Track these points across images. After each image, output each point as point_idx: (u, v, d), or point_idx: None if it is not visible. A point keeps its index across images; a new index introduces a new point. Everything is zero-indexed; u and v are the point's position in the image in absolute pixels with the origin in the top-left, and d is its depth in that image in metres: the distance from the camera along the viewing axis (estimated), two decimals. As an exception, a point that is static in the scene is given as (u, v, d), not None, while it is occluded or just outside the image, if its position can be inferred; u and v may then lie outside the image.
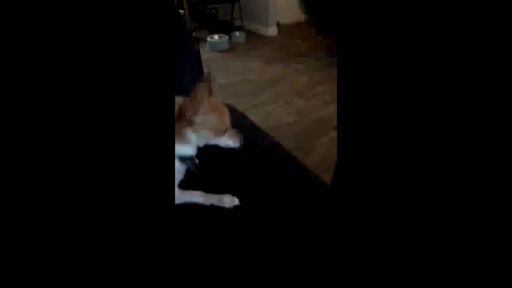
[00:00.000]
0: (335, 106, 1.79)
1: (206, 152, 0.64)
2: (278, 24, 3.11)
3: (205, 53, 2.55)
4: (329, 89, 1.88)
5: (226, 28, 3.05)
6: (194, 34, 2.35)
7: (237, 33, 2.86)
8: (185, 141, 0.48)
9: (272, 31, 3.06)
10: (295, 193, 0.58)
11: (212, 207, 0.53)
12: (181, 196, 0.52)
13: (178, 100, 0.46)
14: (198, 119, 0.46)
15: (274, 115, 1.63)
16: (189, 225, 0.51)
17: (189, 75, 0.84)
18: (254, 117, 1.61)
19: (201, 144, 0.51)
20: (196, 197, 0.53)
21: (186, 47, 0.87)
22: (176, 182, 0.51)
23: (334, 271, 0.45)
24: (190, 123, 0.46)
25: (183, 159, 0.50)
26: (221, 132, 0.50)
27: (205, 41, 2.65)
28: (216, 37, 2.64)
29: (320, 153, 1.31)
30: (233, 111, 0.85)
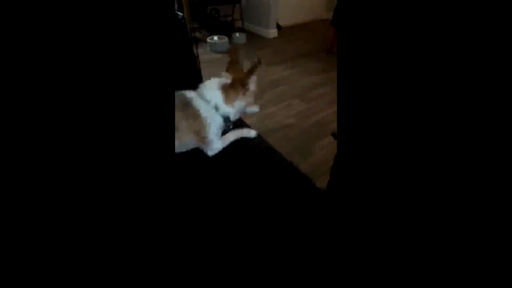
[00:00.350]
0: (335, 109, 1.79)
1: (202, 158, 0.64)
2: (278, 26, 3.12)
3: (206, 54, 2.55)
4: (329, 91, 1.89)
5: (227, 29, 3.06)
6: (193, 35, 2.34)
7: (238, 34, 2.86)
8: (232, 106, 0.62)
9: (273, 32, 3.06)
10: (290, 198, 0.58)
11: (211, 215, 0.54)
12: (222, 142, 0.66)
13: (225, 74, 0.63)
14: (251, 87, 0.65)
15: (274, 117, 1.63)
16: (189, 227, 0.50)
17: (186, 77, 0.84)
18: (255, 119, 1.61)
19: (240, 110, 0.67)
20: (230, 137, 0.68)
21: (184, 50, 0.87)
22: (219, 135, 0.65)
23: (335, 269, 0.45)
24: (245, 90, 0.63)
25: (226, 119, 0.63)
26: (254, 100, 0.68)
27: (205, 42, 2.65)
28: (215, 38, 2.64)
29: (320, 156, 1.30)
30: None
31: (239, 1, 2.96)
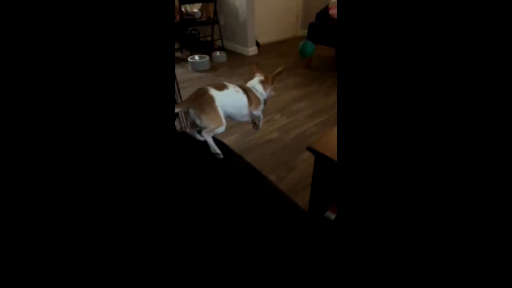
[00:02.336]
0: (315, 122, 1.86)
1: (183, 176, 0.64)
2: (257, 43, 3.24)
3: (187, 73, 2.59)
4: (308, 105, 1.96)
5: (207, 48, 3.14)
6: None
7: (218, 53, 2.94)
8: (266, 93, 0.96)
9: (253, 50, 3.17)
10: (267, 214, 0.59)
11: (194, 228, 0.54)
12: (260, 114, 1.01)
13: (258, 75, 0.97)
14: (275, 83, 1.00)
15: (256, 132, 1.66)
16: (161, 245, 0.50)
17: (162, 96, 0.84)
18: (237, 135, 1.64)
19: (268, 96, 1.00)
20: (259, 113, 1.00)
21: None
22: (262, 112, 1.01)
23: (328, 271, 0.45)
24: (272, 85, 0.99)
25: (264, 101, 0.97)
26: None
27: (187, 61, 2.70)
28: (196, 57, 2.70)
29: (302, 169, 1.34)
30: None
31: (217, 22, 3.07)
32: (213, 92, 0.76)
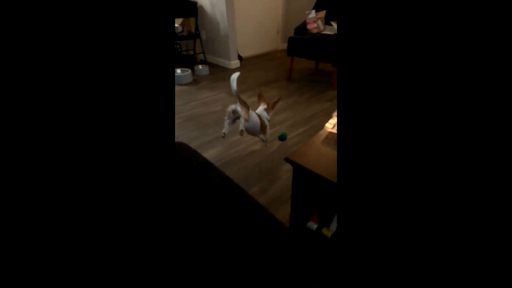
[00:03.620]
0: (297, 132, 1.89)
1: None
2: (240, 57, 3.31)
3: (169, 87, 2.57)
4: (290, 116, 2.00)
5: (189, 62, 3.15)
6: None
7: (200, 67, 2.96)
8: (269, 115, 1.33)
9: (235, 63, 3.23)
10: (244, 230, 0.59)
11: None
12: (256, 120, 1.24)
13: (263, 103, 1.35)
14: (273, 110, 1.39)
15: (240, 144, 1.67)
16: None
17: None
18: (221, 147, 1.63)
19: (267, 118, 1.33)
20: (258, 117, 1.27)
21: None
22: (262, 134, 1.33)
23: (315, 267, 0.44)
24: (271, 111, 1.36)
25: (258, 115, 1.23)
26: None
27: (169, 75, 2.70)
28: (178, 71, 2.71)
29: (286, 179, 1.35)
30: (186, 149, 0.85)
31: (199, 36, 3.11)
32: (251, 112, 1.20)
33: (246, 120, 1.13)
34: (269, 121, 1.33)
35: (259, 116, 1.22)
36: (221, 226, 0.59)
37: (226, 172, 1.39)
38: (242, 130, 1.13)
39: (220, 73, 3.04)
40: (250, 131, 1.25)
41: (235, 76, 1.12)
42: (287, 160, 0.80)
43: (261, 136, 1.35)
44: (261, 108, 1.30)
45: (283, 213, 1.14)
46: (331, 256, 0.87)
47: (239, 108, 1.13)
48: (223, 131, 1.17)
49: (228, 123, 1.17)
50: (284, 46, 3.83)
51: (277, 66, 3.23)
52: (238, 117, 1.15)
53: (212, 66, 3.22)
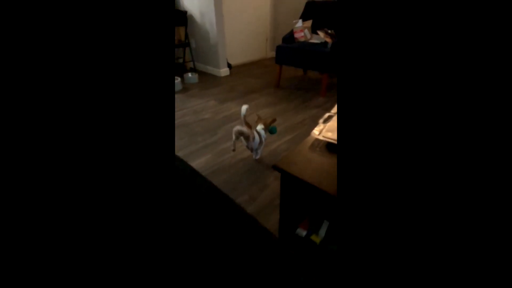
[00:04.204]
0: (286, 139, 1.91)
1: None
2: (229, 65, 3.33)
3: (158, 95, 2.55)
4: (279, 123, 2.02)
5: (179, 70, 3.15)
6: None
7: (190, 75, 2.97)
8: (264, 132, 1.53)
9: (224, 71, 3.25)
10: (230, 240, 0.58)
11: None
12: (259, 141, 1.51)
13: (260, 123, 1.56)
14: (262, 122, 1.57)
15: (229, 152, 1.66)
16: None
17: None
18: (210, 155, 1.63)
19: (264, 135, 1.53)
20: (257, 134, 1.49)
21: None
22: (258, 148, 1.54)
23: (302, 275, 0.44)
24: (267, 128, 1.56)
25: (259, 134, 1.47)
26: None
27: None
28: (168, 79, 2.70)
29: (274, 186, 1.35)
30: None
31: (188, 45, 3.13)
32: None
33: (252, 140, 1.43)
34: (265, 139, 1.57)
35: (258, 134, 1.49)
36: (206, 237, 0.58)
37: (215, 180, 1.39)
38: (247, 146, 1.53)
39: (209, 81, 3.05)
40: (251, 147, 1.52)
41: (244, 107, 1.50)
42: (275, 167, 0.81)
43: (257, 150, 1.58)
44: (259, 128, 1.53)
45: (273, 221, 1.14)
46: (320, 263, 0.87)
47: (244, 129, 1.41)
48: (232, 148, 1.52)
49: (234, 141, 1.45)
50: (273, 54, 3.89)
51: (266, 74, 3.28)
52: (242, 135, 1.45)
53: (201, 74, 3.23)
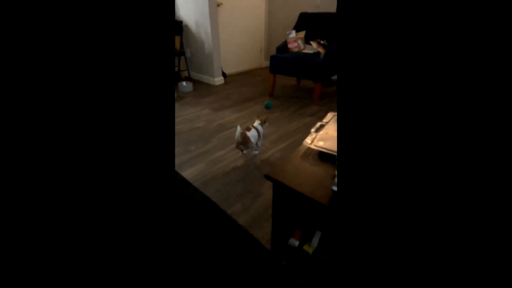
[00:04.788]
0: (280, 147, 1.91)
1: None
2: (224, 74, 3.36)
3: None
4: (273, 131, 2.03)
5: (174, 79, 3.16)
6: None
7: (184, 83, 2.98)
8: (261, 128, 1.70)
9: (219, 80, 3.27)
10: (221, 252, 0.57)
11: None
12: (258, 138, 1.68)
13: (257, 119, 1.75)
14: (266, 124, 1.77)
15: (223, 160, 1.66)
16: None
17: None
18: (203, 164, 1.61)
19: (262, 131, 1.71)
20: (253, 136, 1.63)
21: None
22: (257, 141, 1.67)
23: None
24: (264, 125, 1.74)
25: (256, 129, 1.65)
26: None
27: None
28: (163, 87, 2.70)
29: (268, 195, 1.34)
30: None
31: (184, 54, 3.15)
32: (247, 132, 1.60)
33: (249, 143, 1.60)
34: (262, 132, 1.74)
35: (256, 129, 1.66)
36: (195, 250, 0.57)
37: (208, 190, 1.38)
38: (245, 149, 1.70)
39: (204, 89, 3.06)
40: (251, 147, 1.71)
41: (238, 128, 1.60)
42: (267, 177, 0.80)
43: (257, 143, 1.74)
44: (256, 123, 1.70)
45: (266, 230, 1.13)
46: (313, 273, 0.86)
47: (244, 140, 1.59)
48: (241, 154, 1.72)
49: (242, 150, 1.67)
50: (267, 63, 3.95)
51: (260, 83, 3.31)
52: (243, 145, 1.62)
53: (196, 82, 3.25)
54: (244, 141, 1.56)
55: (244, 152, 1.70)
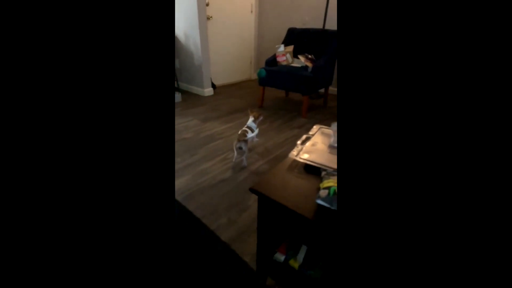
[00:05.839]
0: (268, 158, 1.90)
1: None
2: (213, 85, 3.38)
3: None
4: (262, 143, 2.03)
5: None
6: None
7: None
8: (256, 124, 1.82)
9: (208, 91, 3.28)
10: (204, 268, 0.55)
11: None
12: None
13: (251, 115, 1.85)
14: (259, 118, 1.88)
15: (210, 172, 1.63)
16: None
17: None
18: (189, 176, 1.58)
19: (255, 128, 1.79)
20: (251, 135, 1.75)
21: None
22: (255, 137, 1.84)
23: None
24: (258, 121, 1.85)
25: (251, 128, 1.76)
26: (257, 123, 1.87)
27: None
28: (150, 98, 2.67)
29: (254, 208, 1.32)
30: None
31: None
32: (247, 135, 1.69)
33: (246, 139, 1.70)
34: (256, 128, 1.81)
35: (251, 129, 1.77)
36: (176, 266, 0.54)
37: (194, 203, 1.34)
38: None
39: (193, 100, 3.05)
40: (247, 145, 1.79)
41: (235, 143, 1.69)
42: (252, 190, 0.79)
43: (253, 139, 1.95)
44: (250, 121, 1.81)
45: (252, 245, 1.10)
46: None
47: (243, 145, 1.65)
48: (233, 159, 1.78)
49: (240, 154, 1.75)
50: (256, 76, 4.02)
51: (249, 95, 3.35)
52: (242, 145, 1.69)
53: (185, 93, 3.24)
54: (244, 139, 1.64)
55: (240, 157, 1.76)
